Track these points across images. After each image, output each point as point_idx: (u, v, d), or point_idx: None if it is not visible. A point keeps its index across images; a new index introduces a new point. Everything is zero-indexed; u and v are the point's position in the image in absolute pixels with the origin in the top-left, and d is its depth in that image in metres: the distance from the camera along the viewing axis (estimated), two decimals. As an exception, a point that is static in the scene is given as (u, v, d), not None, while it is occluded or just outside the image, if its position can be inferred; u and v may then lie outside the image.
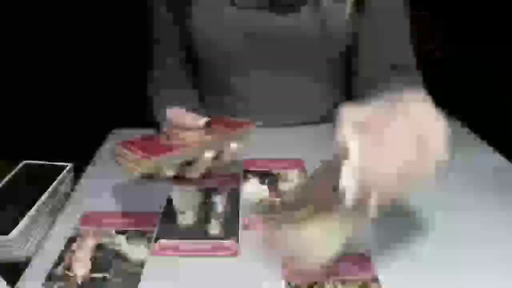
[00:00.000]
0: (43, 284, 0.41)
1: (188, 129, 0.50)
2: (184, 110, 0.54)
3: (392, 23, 0.66)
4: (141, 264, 0.43)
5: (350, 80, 0.78)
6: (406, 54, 0.68)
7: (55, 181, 0.52)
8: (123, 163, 0.44)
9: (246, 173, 0.58)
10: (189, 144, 0.46)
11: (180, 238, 0.46)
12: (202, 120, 0.50)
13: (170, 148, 0.45)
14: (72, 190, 0.56)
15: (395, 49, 0.67)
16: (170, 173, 0.46)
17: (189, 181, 0.50)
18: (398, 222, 0.49)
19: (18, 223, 0.44)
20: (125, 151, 0.43)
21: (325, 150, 0.69)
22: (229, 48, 0.67)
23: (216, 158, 0.48)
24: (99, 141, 0.68)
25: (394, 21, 0.67)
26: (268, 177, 0.57)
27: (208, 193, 0.54)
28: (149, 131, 0.70)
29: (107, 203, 0.53)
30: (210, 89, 0.78)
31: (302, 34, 0.65)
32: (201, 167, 0.48)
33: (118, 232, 0.48)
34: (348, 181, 0.32)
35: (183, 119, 0.52)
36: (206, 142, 0.47)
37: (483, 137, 0.67)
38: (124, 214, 0.51)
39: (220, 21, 0.65)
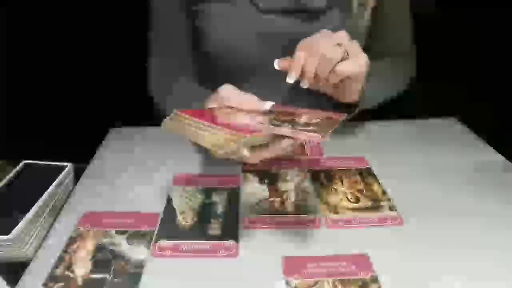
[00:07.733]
0: (43, 284, 0.41)
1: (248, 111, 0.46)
2: (238, 91, 0.50)
3: (396, 15, 0.68)
4: (141, 264, 0.43)
5: None
6: (406, 44, 0.71)
7: (55, 181, 0.52)
8: (197, 136, 0.39)
9: (246, 173, 0.58)
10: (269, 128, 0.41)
11: (180, 238, 0.46)
12: (267, 104, 0.47)
13: (252, 128, 0.40)
14: (72, 190, 0.56)
15: (397, 38, 0.70)
16: (247, 153, 0.41)
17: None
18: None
19: (18, 223, 0.44)
20: (210, 124, 0.38)
21: (324, 150, 0.69)
22: (243, 49, 0.65)
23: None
24: (99, 141, 0.68)
25: (399, 13, 0.69)
26: (268, 177, 0.57)
27: (208, 193, 0.54)
28: (149, 130, 0.71)
29: (107, 203, 0.53)
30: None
31: None
32: (273, 153, 0.42)
33: (118, 232, 0.48)
34: None
35: (241, 101, 0.47)
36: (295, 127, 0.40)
37: (483, 137, 0.67)
38: (124, 214, 0.51)
39: (238, 22, 0.63)
